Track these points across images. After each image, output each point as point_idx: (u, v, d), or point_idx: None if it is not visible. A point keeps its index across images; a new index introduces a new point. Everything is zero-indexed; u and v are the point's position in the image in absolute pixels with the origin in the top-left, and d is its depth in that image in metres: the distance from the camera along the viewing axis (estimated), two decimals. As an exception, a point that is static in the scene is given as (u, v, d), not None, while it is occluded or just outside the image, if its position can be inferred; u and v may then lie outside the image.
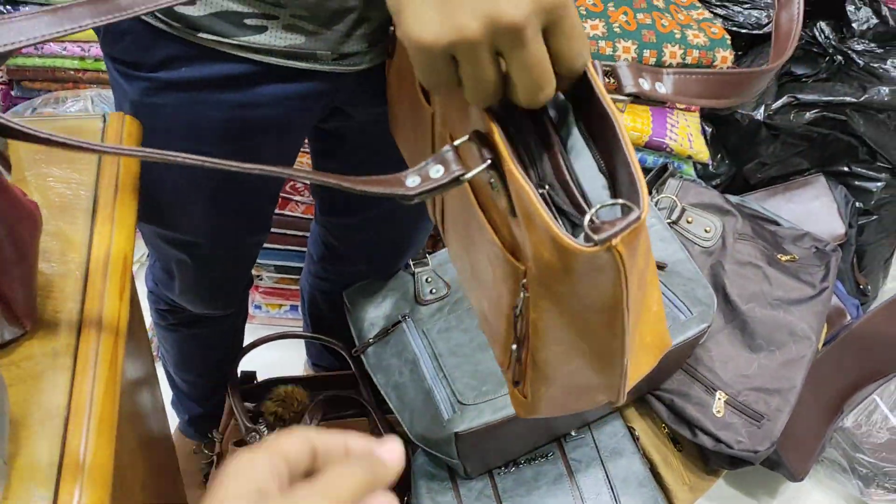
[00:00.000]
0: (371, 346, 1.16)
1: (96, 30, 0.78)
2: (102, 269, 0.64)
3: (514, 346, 0.59)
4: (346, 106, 0.86)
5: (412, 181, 0.49)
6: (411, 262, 1.19)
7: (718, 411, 1.15)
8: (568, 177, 0.49)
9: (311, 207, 1.51)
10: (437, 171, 0.49)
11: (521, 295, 0.54)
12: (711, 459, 1.18)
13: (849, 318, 1.43)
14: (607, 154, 0.49)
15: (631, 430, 1.18)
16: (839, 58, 1.57)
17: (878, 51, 1.56)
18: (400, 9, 0.47)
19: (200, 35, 0.71)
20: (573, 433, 1.16)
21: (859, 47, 1.57)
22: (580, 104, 0.51)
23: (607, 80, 0.50)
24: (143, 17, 0.72)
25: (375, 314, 1.17)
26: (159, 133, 0.78)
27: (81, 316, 0.61)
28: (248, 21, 0.70)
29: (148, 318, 1.16)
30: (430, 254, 1.21)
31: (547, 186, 0.50)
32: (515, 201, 0.49)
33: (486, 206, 0.56)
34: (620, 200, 0.45)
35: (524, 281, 0.53)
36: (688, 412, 1.15)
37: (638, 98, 0.51)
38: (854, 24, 1.58)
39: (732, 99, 0.55)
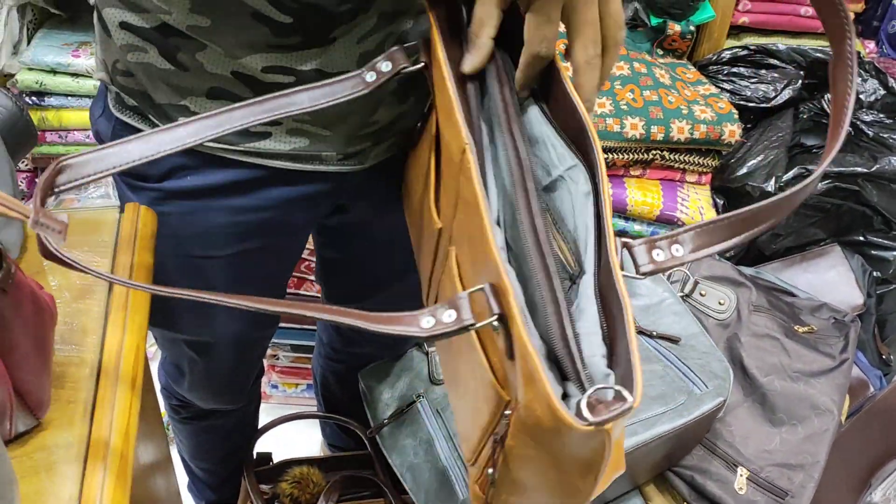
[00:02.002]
0: (386, 426, 1.15)
1: (101, 143, 0.79)
2: (115, 359, 0.65)
3: (490, 471, 0.60)
4: (350, 202, 0.87)
5: (426, 322, 0.52)
6: (425, 342, 1.19)
7: (741, 488, 1.13)
8: (572, 342, 0.51)
9: (326, 287, 1.52)
10: (449, 316, 0.52)
11: (503, 422, 0.55)
12: (736, 538, 1.15)
13: (872, 389, 1.41)
14: (611, 326, 0.52)
15: (652, 509, 1.16)
16: (849, 129, 1.59)
17: (888, 121, 1.57)
18: None
19: (206, 144, 0.72)
20: (592, 514, 1.13)
21: (868, 118, 1.59)
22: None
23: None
24: (148, 130, 0.74)
25: (390, 395, 1.17)
26: (166, 239, 0.79)
27: (94, 406, 0.62)
28: (251, 128, 0.71)
29: (163, 402, 1.16)
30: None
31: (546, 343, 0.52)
32: (518, 358, 0.50)
33: (482, 334, 0.57)
34: (617, 387, 0.47)
35: (507, 412, 0.54)
36: (709, 489, 1.13)
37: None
38: (861, 96, 1.60)
39: (763, 229, 0.57)
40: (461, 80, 0.62)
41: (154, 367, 1.17)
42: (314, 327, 1.55)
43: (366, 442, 1.24)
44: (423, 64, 0.64)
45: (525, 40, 0.59)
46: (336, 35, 0.67)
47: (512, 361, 0.52)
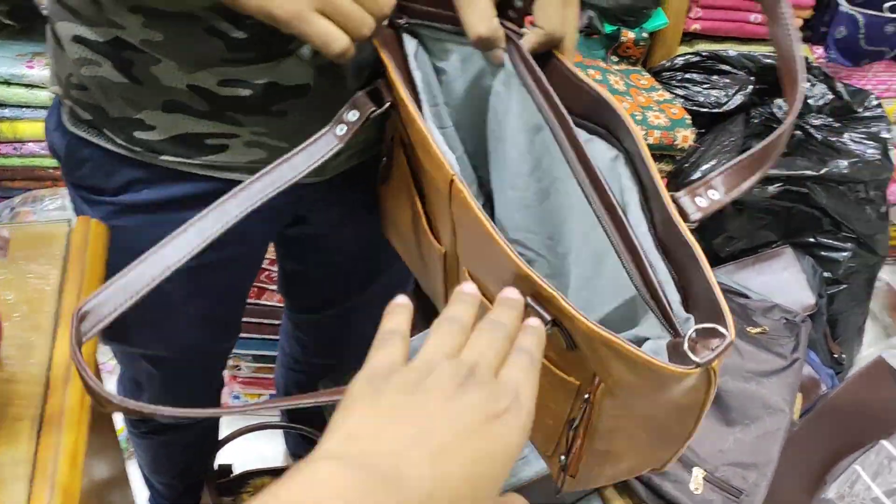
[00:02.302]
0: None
1: (56, 156, 0.79)
2: (64, 375, 0.64)
3: (563, 458, 0.61)
4: (310, 213, 0.87)
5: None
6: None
7: (696, 488, 1.15)
8: (658, 288, 0.52)
9: (286, 296, 1.52)
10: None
11: (581, 407, 0.56)
12: (692, 538, 1.17)
13: (824, 388, 1.44)
14: (680, 274, 0.53)
15: (610, 511, 1.17)
16: (798, 133, 1.62)
17: (835, 125, 1.61)
18: None
19: (162, 158, 0.72)
20: (552, 517, 1.15)
21: (817, 122, 1.62)
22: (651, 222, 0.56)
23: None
24: (103, 144, 0.73)
25: (350, 402, 1.17)
26: (121, 252, 0.78)
27: (41, 422, 0.61)
28: (208, 141, 0.71)
29: (121, 416, 1.15)
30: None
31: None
32: (588, 345, 0.52)
33: None
34: (713, 325, 0.48)
35: (587, 395, 0.55)
36: (665, 490, 1.15)
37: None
38: (810, 101, 1.64)
39: (771, 162, 0.59)
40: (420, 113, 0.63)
41: (114, 381, 1.16)
42: (276, 337, 1.55)
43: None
44: (389, 103, 0.65)
45: (541, 23, 0.62)
46: (292, 47, 0.67)
47: (574, 351, 0.53)
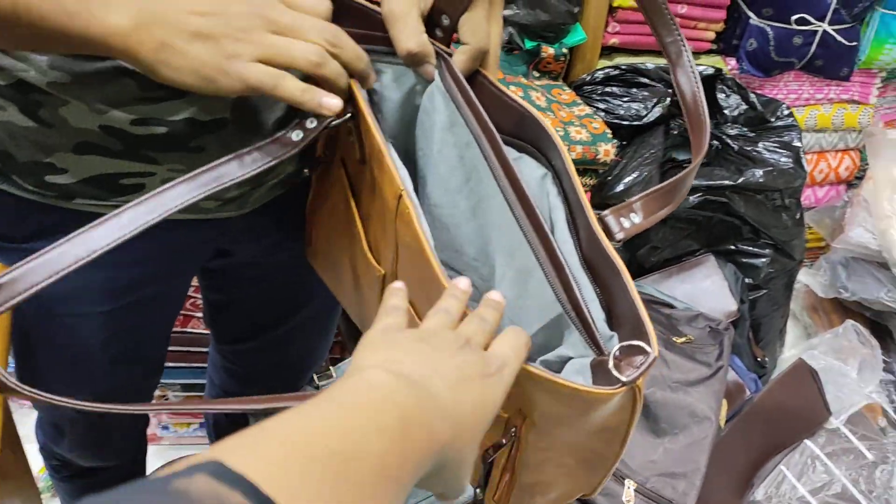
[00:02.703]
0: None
1: None
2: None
3: (476, 490, 0.61)
4: (232, 246, 0.86)
5: None
6: (315, 377, 1.18)
7: (629, 500, 1.16)
8: (585, 312, 0.53)
9: (213, 323, 1.49)
10: None
11: (511, 440, 0.57)
12: (627, 550, 1.19)
13: (748, 392, 1.48)
14: (605, 291, 0.55)
15: (545, 528, 1.18)
16: (716, 143, 1.66)
17: (750, 135, 1.66)
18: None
19: (76, 201, 0.69)
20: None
21: (733, 132, 1.67)
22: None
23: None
24: (12, 191, 0.70)
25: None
26: (33, 299, 0.75)
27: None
28: (124, 181, 0.69)
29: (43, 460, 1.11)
30: (332, 365, 1.20)
31: None
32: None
33: None
34: (636, 342, 0.49)
35: (513, 430, 0.56)
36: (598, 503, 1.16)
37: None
38: (726, 111, 1.68)
39: (681, 196, 0.61)
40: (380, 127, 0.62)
41: (27, 427, 1.12)
42: (204, 365, 1.52)
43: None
44: (349, 115, 0.63)
45: (467, 39, 0.63)
46: None
47: None
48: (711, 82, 1.67)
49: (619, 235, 0.57)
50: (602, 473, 0.62)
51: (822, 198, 1.97)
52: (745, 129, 1.67)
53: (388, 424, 0.37)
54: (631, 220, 0.57)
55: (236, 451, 0.30)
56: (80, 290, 0.76)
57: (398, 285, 0.54)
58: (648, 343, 0.48)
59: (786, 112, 1.65)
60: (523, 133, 0.62)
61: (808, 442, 1.54)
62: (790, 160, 1.59)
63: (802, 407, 1.54)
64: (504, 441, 0.57)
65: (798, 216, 1.62)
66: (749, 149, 1.63)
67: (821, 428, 1.55)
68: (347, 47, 0.59)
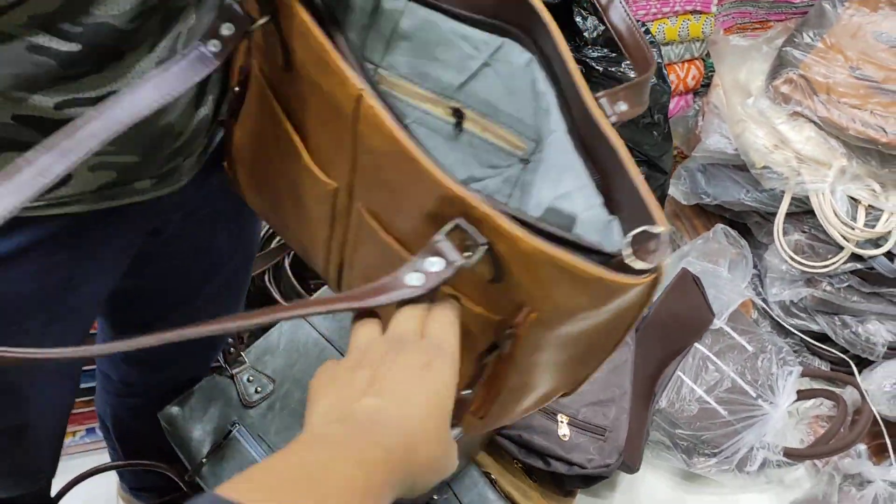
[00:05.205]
0: (206, 465, 1.06)
1: None
2: None
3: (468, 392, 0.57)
4: (164, 225, 0.79)
5: (415, 279, 0.48)
6: (227, 365, 1.10)
7: (564, 435, 1.18)
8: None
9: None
10: (435, 265, 0.48)
11: (507, 341, 0.53)
12: (566, 482, 1.21)
13: (647, 310, 1.53)
14: (602, 173, 0.52)
15: (487, 475, 1.18)
16: (580, 67, 1.67)
17: (612, 55, 1.67)
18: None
19: None
20: (435, 496, 1.13)
21: (595, 54, 1.67)
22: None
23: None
24: None
25: (202, 430, 1.08)
26: None
27: None
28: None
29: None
30: (243, 350, 1.13)
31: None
32: (522, 267, 0.49)
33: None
34: (645, 227, 0.46)
35: (509, 330, 0.52)
36: (535, 443, 1.17)
37: None
38: (585, 34, 1.69)
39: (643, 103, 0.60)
40: (321, 23, 0.55)
41: None
42: (93, 367, 1.38)
43: (182, 486, 1.13)
44: (270, 16, 0.56)
45: None
46: (124, 50, 0.58)
47: (500, 283, 0.50)
48: (568, 6, 1.67)
49: (613, 119, 0.55)
50: (593, 366, 0.61)
51: (674, 109, 2.04)
52: (606, 50, 1.68)
53: (350, 474, 0.39)
54: (619, 107, 0.56)
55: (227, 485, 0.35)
56: (8, 305, 0.69)
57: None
58: (654, 223, 0.47)
59: (643, 29, 1.67)
60: (506, 13, 0.59)
61: (698, 345, 1.63)
62: (654, 76, 1.62)
63: (690, 314, 1.62)
64: (498, 343, 0.54)
65: (666, 130, 1.66)
66: (613, 69, 1.65)
67: (707, 330, 1.64)
68: None
